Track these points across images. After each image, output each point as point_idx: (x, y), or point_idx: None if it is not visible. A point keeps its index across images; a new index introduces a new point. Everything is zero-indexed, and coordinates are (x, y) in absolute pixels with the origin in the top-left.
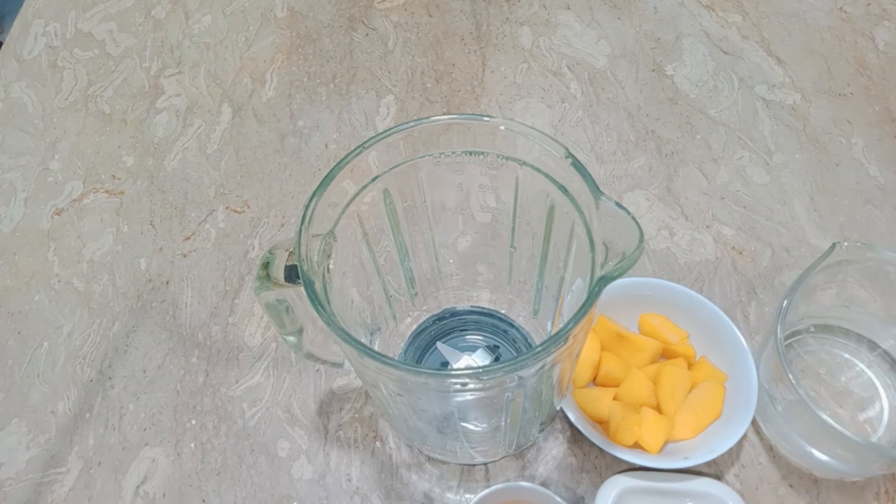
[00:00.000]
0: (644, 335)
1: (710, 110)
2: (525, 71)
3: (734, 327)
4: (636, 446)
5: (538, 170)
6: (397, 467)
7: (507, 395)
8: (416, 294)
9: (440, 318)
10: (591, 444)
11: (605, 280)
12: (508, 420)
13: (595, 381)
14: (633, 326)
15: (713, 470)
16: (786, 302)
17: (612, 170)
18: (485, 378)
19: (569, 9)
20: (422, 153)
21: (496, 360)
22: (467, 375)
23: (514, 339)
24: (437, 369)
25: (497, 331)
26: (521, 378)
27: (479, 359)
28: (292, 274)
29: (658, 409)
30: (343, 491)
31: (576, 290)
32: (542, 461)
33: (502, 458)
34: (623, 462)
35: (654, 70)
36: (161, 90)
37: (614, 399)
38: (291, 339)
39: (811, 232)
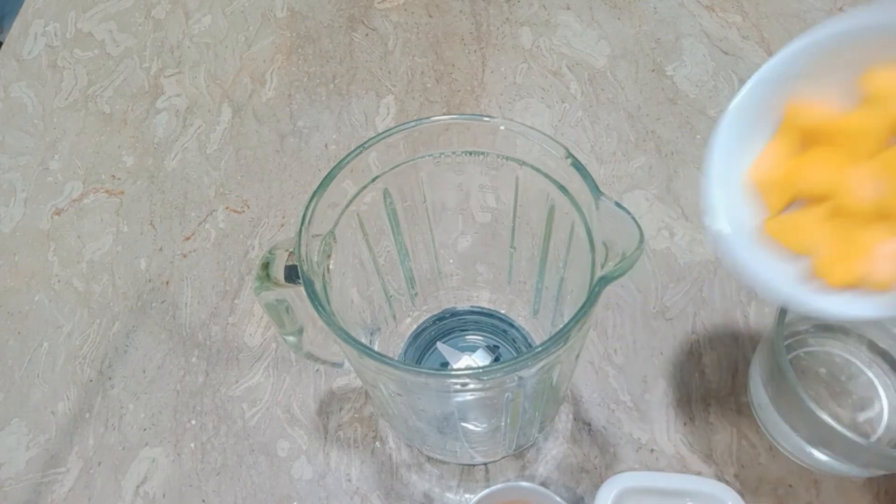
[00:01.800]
0: (868, 108)
1: (711, 110)
2: (525, 71)
3: None
4: (859, 284)
5: (538, 170)
6: (397, 467)
7: (506, 395)
8: (416, 294)
9: (440, 318)
10: (592, 443)
11: (605, 280)
12: (508, 420)
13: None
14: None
15: (713, 470)
16: None
17: (612, 170)
18: (485, 378)
19: (569, 9)
20: (422, 153)
21: (496, 360)
22: (467, 375)
23: (514, 339)
24: (437, 369)
25: (497, 331)
26: (521, 378)
27: (479, 359)
28: (292, 274)
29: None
30: (343, 491)
31: (576, 290)
32: (542, 461)
33: (502, 458)
34: (623, 462)
35: (653, 70)
36: (161, 90)
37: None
38: (291, 339)
39: None
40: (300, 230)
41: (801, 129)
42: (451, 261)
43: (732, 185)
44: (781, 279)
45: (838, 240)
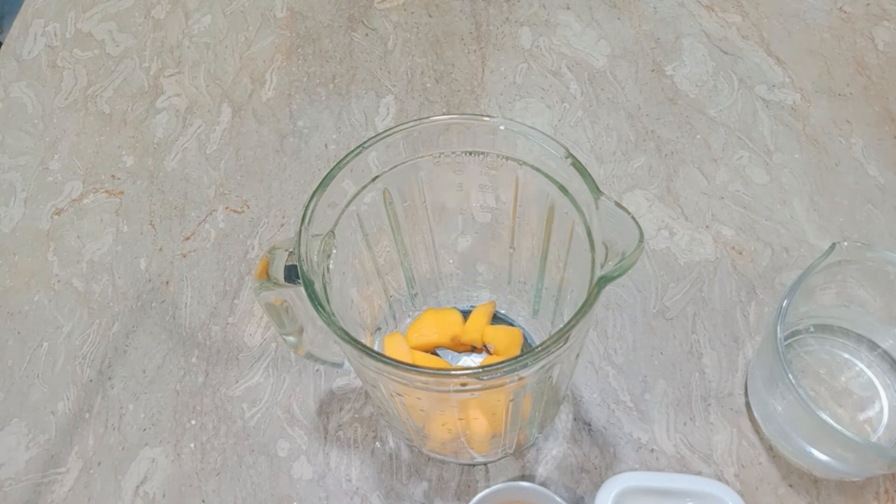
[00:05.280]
0: None
1: (710, 110)
2: (525, 71)
3: None
4: None
5: (538, 170)
6: (397, 467)
7: (507, 395)
8: (415, 294)
9: None
10: (592, 443)
11: (604, 280)
12: (508, 420)
13: None
14: None
15: (713, 470)
16: (785, 302)
17: (612, 170)
18: (484, 378)
19: (568, 9)
20: (422, 153)
21: None
22: (467, 375)
23: None
24: (437, 369)
25: None
26: (521, 378)
27: (479, 359)
28: (292, 274)
29: None
30: (343, 491)
31: (576, 290)
32: (542, 461)
33: (502, 458)
34: (623, 462)
35: (653, 70)
36: (161, 90)
37: None
38: (291, 339)
39: (811, 232)
40: (300, 230)
41: None
42: (450, 261)
43: None
44: None
45: None
